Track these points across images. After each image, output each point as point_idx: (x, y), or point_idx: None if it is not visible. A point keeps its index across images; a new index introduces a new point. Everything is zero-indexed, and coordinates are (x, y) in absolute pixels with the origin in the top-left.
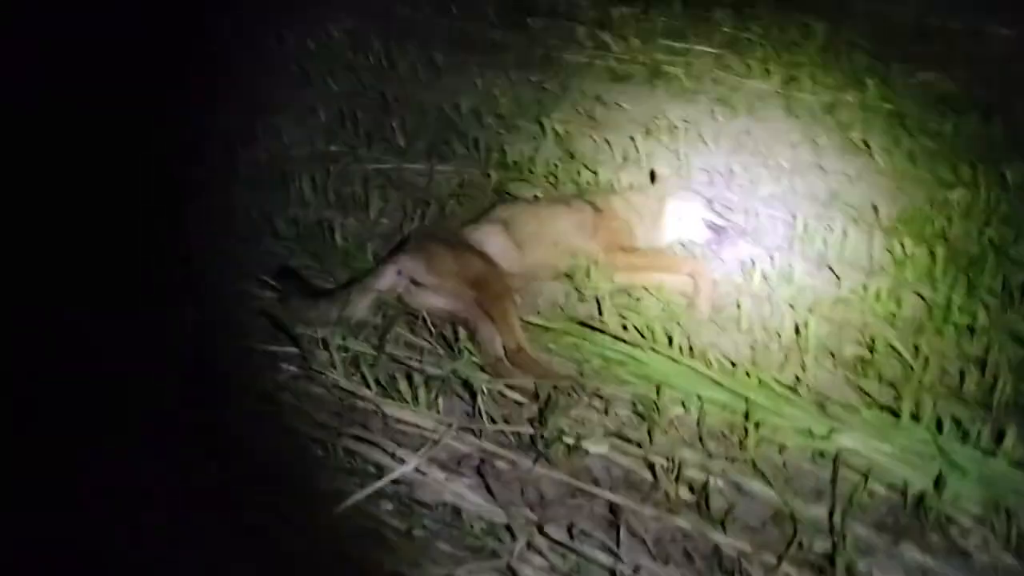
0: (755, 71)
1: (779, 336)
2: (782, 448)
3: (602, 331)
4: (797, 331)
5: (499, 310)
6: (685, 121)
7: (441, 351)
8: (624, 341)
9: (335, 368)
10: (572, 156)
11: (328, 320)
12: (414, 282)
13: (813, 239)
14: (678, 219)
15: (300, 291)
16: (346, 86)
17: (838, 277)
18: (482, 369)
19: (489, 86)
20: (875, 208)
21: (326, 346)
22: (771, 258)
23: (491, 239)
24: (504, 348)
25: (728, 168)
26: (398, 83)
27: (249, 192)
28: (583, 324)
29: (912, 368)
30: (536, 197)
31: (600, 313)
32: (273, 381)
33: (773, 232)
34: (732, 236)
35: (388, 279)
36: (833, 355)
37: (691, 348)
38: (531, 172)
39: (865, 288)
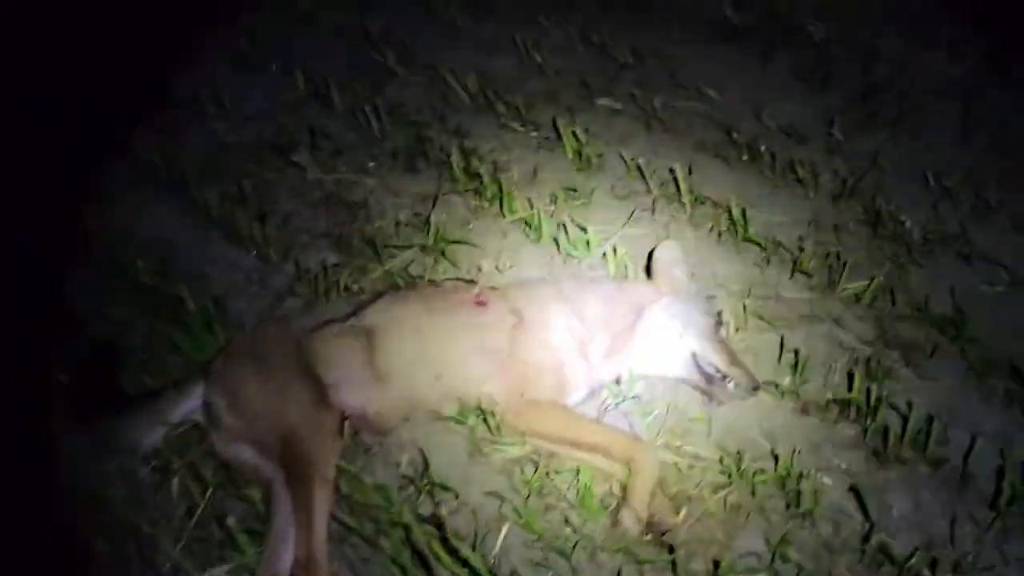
0: None
1: None
2: None
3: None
4: None
5: (302, 492)
6: (789, 134)
7: (217, 532)
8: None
9: None
10: (573, 192)
11: (104, 445)
12: (214, 418)
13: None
14: (655, 345)
15: (89, 393)
16: (351, 36)
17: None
18: None
19: (535, 44)
20: None
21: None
22: (775, 455)
23: (343, 359)
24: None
25: (814, 236)
26: (416, 30)
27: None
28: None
29: None
30: (457, 281)
31: (440, 532)
32: None
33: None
34: (731, 392)
35: (187, 407)
36: None
37: None
38: (502, 213)
39: None
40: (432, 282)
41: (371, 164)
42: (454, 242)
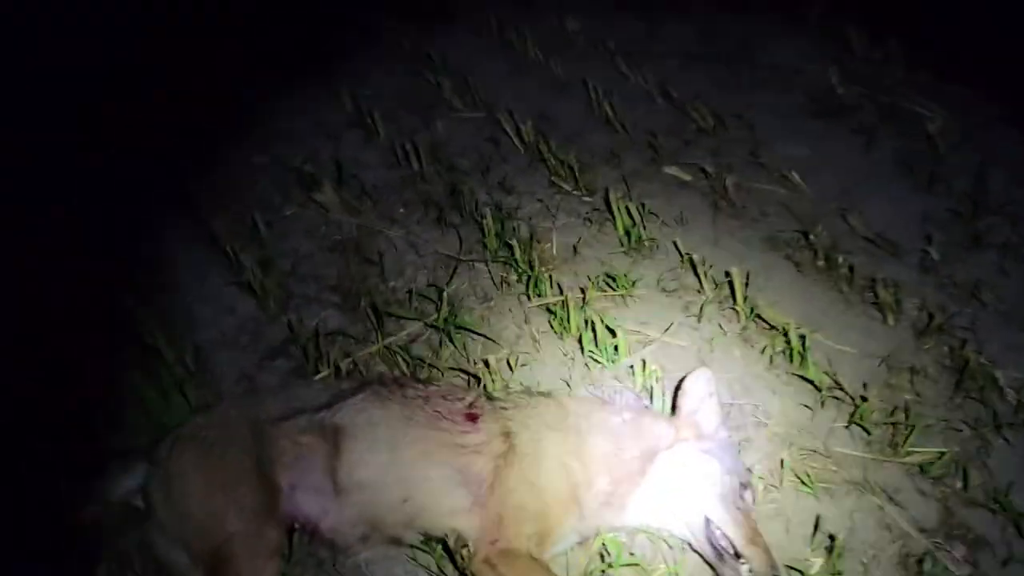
0: None
1: None
2: None
3: None
4: None
5: None
6: (877, 243)
7: None
8: None
9: None
10: (612, 281)
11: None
12: (150, 508)
13: None
14: (663, 500)
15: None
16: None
17: None
18: None
19: (607, 91)
20: None
21: None
22: None
23: (303, 461)
24: None
25: (884, 378)
26: (480, 58)
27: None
28: None
29: None
30: (454, 385)
31: None
32: None
33: None
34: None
35: (128, 485)
36: None
37: None
38: (528, 294)
39: None
40: (430, 379)
41: (401, 210)
42: (464, 329)
